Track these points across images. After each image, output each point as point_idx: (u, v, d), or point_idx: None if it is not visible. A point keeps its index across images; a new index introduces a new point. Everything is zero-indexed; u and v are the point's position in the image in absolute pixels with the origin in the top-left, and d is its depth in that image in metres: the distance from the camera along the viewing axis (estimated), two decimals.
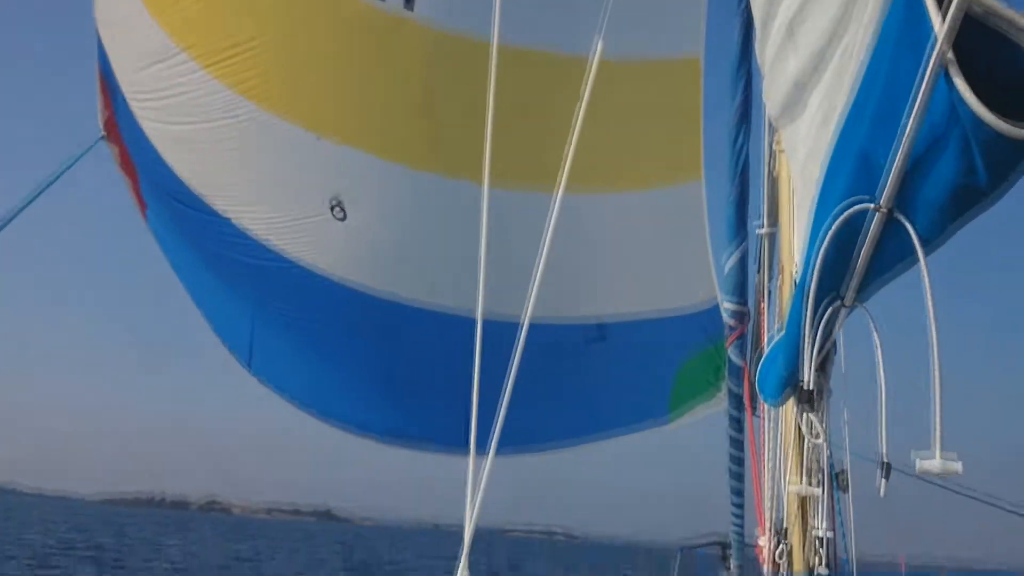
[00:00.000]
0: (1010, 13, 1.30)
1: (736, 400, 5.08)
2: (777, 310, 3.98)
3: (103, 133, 6.62)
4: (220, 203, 6.15)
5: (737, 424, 5.14)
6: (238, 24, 5.71)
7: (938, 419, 1.61)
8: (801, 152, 2.75)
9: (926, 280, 1.67)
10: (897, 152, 1.53)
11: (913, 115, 1.43)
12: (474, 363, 3.73)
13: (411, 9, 5.63)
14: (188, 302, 7.20)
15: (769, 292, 4.53)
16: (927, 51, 1.38)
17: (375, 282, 6.26)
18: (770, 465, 3.73)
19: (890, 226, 1.74)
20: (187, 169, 6.17)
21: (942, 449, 1.63)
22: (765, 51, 2.88)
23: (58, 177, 5.97)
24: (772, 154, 4.13)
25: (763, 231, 4.42)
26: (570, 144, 4.10)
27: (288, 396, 7.04)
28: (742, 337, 5.02)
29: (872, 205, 1.73)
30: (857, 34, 1.90)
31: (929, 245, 1.69)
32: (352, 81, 5.91)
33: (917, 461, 1.63)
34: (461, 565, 3.43)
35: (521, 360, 3.69)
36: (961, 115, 1.36)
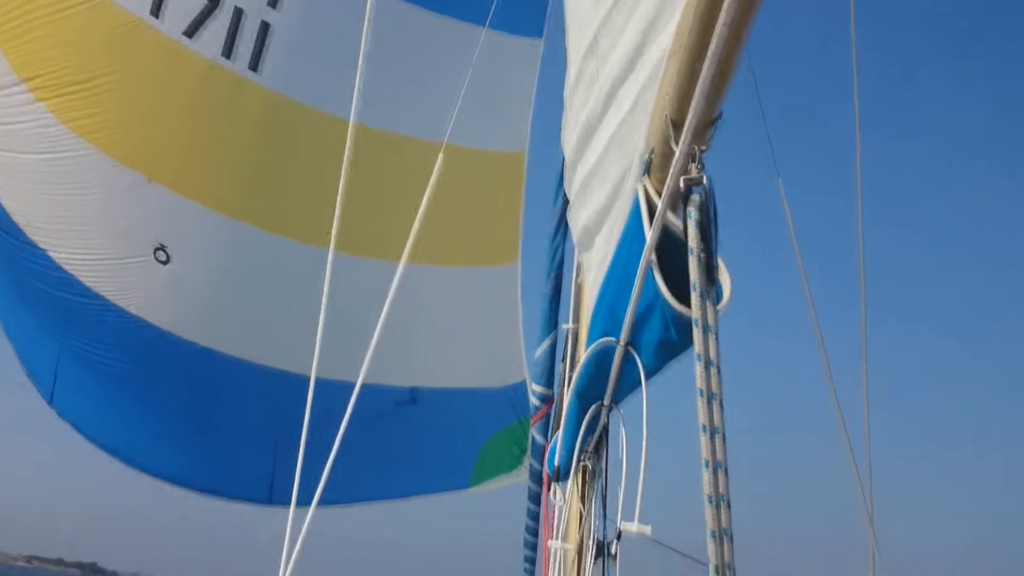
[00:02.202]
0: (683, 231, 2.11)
1: (536, 475, 5.86)
2: None
3: None
4: (38, 235, 6.36)
5: (536, 497, 5.91)
6: (82, 63, 6.06)
7: (639, 498, 2.40)
8: (591, 276, 3.58)
9: (644, 396, 2.49)
10: (627, 310, 2.34)
11: (634, 290, 2.24)
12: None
13: (256, 71, 6.23)
14: None
15: (570, 380, 5.35)
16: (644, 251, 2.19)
17: (192, 331, 6.59)
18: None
19: (627, 356, 2.54)
20: (10, 197, 6.39)
21: (646, 520, 2.43)
22: (571, 190, 3.73)
23: None
24: (579, 264, 4.99)
25: (568, 327, 5.27)
26: (418, 219, 4.54)
27: (88, 435, 7.15)
28: (546, 418, 5.83)
29: (615, 340, 2.53)
30: (620, 212, 2.73)
31: (651, 372, 2.50)
32: (190, 132, 6.33)
33: (623, 524, 2.42)
34: None
35: (335, 419, 4.03)
36: (660, 296, 2.18)
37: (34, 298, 6.76)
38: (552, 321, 5.75)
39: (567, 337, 5.38)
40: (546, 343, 5.75)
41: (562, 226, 5.81)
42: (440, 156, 4.65)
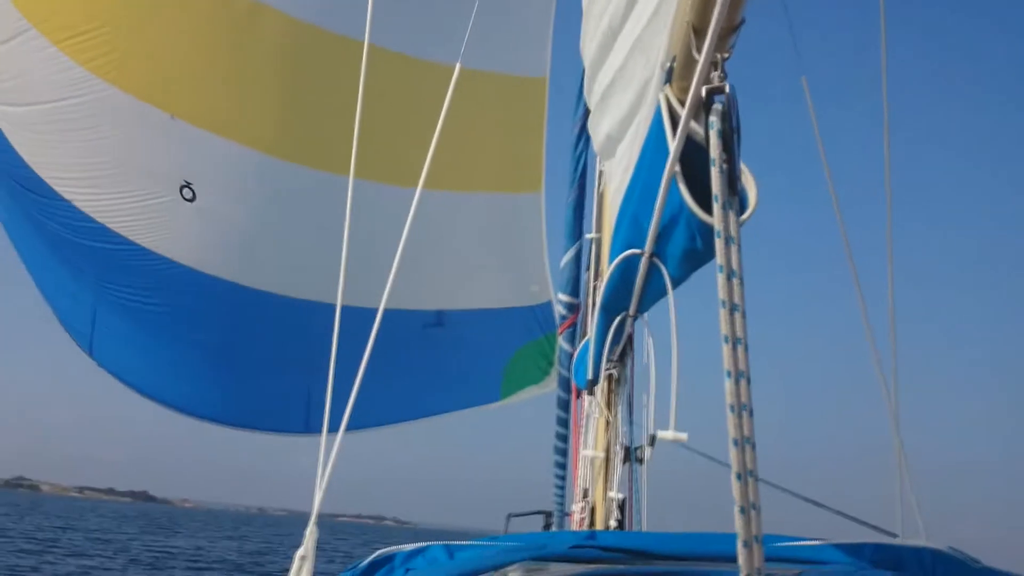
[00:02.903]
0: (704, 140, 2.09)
1: (565, 383, 5.96)
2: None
3: None
4: (62, 185, 6.33)
5: (565, 405, 6.02)
6: (92, 1, 5.93)
7: (674, 404, 2.44)
8: (613, 184, 3.57)
9: (672, 307, 2.50)
10: (651, 220, 2.34)
11: (659, 200, 2.24)
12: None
13: None
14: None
15: (595, 289, 5.39)
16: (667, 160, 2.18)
17: (221, 267, 6.61)
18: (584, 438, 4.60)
19: (652, 266, 2.55)
20: (30, 151, 6.34)
21: (676, 427, 2.47)
22: (591, 100, 3.69)
23: None
24: (601, 172, 4.97)
25: (592, 236, 5.28)
26: (433, 142, 4.52)
27: (129, 383, 7.24)
28: (573, 327, 5.90)
29: (640, 251, 2.53)
30: (643, 120, 2.70)
31: (676, 282, 2.51)
32: (207, 63, 6.20)
33: (659, 432, 2.46)
34: (310, 528, 3.85)
35: (365, 345, 4.10)
36: (684, 205, 2.17)
37: (66, 251, 6.75)
38: (576, 230, 5.77)
39: (591, 246, 5.41)
40: (571, 252, 5.78)
41: (584, 135, 5.77)
42: (456, 70, 4.57)
